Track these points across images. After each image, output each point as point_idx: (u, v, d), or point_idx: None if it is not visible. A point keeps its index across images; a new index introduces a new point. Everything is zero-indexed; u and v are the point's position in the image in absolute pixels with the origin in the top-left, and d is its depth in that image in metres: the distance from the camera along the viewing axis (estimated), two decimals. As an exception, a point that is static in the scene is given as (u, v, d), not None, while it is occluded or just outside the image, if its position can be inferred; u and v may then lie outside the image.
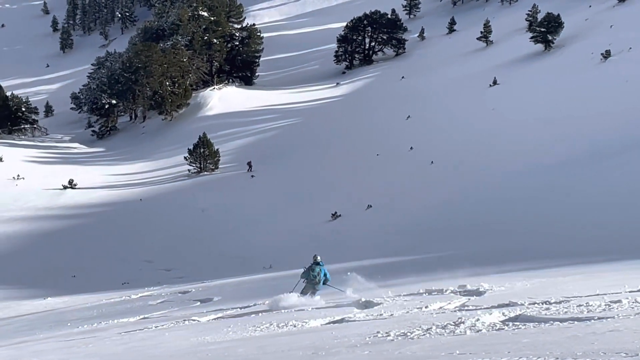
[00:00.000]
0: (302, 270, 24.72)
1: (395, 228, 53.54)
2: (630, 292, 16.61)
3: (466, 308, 17.01)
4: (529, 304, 16.08)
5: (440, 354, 10.79)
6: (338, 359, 11.57)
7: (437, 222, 51.58)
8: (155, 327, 21.15)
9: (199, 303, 29.29)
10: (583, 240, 36.85)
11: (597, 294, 16.57)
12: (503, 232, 44.22)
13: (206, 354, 14.35)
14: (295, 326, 17.41)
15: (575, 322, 12.65)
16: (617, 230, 37.79)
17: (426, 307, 18.04)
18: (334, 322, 17.49)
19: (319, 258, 24.31)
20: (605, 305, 14.53)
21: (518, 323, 13.45)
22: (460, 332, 12.92)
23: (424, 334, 13.08)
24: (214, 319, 21.82)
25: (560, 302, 15.76)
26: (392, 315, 17.16)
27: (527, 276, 23.55)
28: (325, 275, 23.89)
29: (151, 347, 16.87)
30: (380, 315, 17.44)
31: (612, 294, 16.44)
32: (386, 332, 13.67)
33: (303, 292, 23.89)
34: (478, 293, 20.04)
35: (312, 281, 23.94)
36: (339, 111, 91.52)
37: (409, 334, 13.23)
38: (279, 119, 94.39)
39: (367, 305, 20.13)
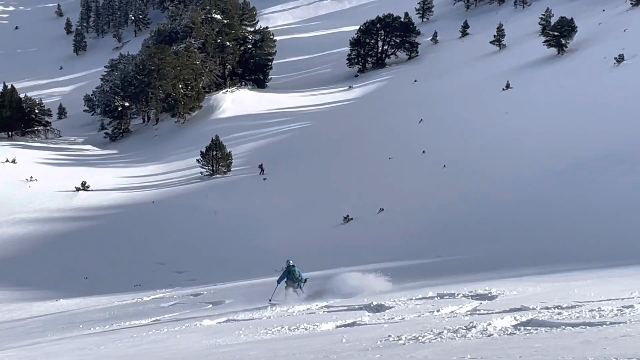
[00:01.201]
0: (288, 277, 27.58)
1: (407, 231, 53.51)
2: (642, 297, 16.55)
3: (478, 312, 16.99)
4: (541, 308, 16.05)
5: (452, 358, 10.79)
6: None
7: (449, 225, 51.54)
8: (167, 329, 21.21)
9: (210, 305, 29.36)
10: (595, 245, 36.76)
11: (609, 299, 16.53)
12: (515, 237, 44.15)
13: (218, 356, 14.39)
14: (306, 329, 17.42)
15: (588, 327, 12.63)
16: (629, 236, 37.68)
17: (438, 311, 18.03)
18: (345, 326, 17.50)
19: (291, 262, 27.37)
20: (618, 310, 14.50)
21: (530, 328, 13.43)
22: (472, 336, 12.92)
23: (436, 338, 13.08)
24: (226, 321, 21.86)
25: (572, 307, 15.73)
26: (403, 319, 17.17)
27: (539, 280, 23.52)
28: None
29: (163, 349, 16.92)
30: (392, 319, 17.45)
31: (625, 299, 16.40)
32: (397, 336, 13.68)
33: (287, 294, 26.79)
34: (490, 297, 20.01)
35: (295, 281, 26.98)
36: (351, 114, 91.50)
37: (420, 338, 13.24)
38: (292, 121, 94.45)
39: (379, 308, 20.14)
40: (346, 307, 21.42)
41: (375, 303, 20.90)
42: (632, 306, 14.82)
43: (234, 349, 15.31)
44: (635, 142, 53.83)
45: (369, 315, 18.96)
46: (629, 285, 18.87)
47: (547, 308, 16.04)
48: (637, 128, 56.50)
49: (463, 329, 13.66)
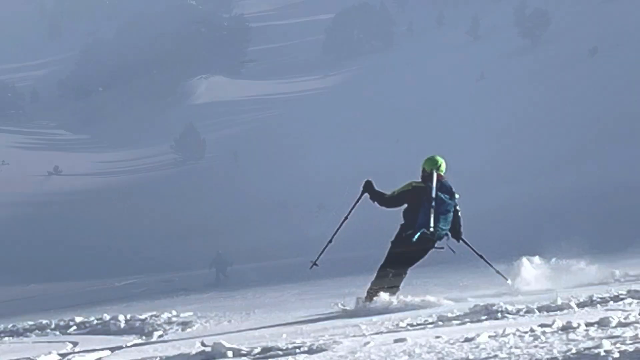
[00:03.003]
0: None
1: (381, 220, 53.54)
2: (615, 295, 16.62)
3: (450, 312, 17.00)
4: (512, 307, 16.09)
5: (424, 357, 10.80)
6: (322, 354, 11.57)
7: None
8: (139, 315, 21.10)
9: (182, 292, 29.31)
10: (567, 240, 36.89)
11: (580, 298, 16.58)
12: (487, 233, 44.24)
13: (189, 343, 14.31)
14: (278, 317, 17.38)
15: (560, 326, 12.67)
16: (598, 229, 37.88)
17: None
18: (318, 314, 17.44)
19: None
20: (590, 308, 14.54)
21: (501, 325, 13.45)
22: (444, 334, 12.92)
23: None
24: (197, 308, 21.78)
25: (543, 306, 15.79)
26: (373, 317, 17.14)
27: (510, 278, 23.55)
28: None
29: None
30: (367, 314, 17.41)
31: (597, 295, 16.46)
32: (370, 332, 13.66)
33: None
34: (461, 297, 20.00)
35: None
36: (326, 102, 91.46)
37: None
38: (266, 109, 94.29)
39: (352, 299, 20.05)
40: (318, 296, 21.39)
41: (347, 291, 20.86)
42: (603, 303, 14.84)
43: (204, 336, 15.25)
44: (605, 132, 54.17)
45: (342, 305, 18.92)
46: (601, 282, 18.97)
47: (516, 304, 16.07)
48: (608, 119, 56.85)
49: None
